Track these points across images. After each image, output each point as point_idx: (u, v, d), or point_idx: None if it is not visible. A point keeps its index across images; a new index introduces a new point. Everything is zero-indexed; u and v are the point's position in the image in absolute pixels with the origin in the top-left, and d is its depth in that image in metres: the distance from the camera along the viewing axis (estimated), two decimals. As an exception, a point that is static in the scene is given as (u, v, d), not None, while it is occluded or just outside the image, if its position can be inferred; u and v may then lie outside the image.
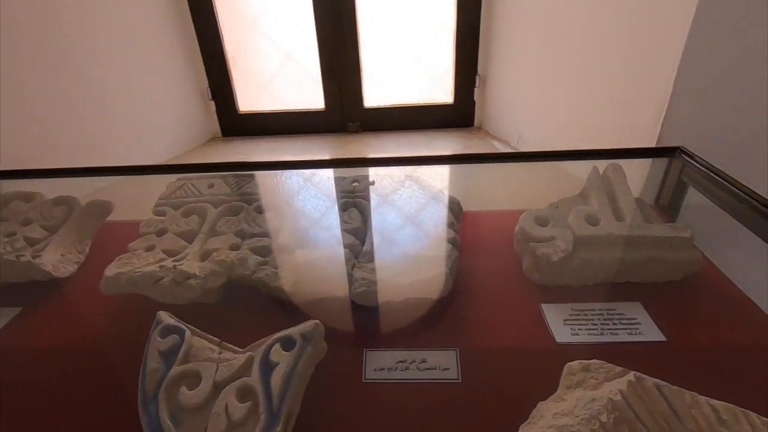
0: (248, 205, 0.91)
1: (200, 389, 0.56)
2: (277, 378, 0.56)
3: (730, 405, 0.50)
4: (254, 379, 0.57)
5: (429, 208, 0.87)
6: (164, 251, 0.81)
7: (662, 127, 1.07)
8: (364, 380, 0.64)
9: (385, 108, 2.25)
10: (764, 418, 0.48)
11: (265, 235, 0.84)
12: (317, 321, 0.63)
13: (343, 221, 0.86)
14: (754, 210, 0.76)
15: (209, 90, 2.30)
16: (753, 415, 0.48)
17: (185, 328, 0.63)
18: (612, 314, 0.71)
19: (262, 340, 0.61)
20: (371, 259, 0.76)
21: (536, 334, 0.68)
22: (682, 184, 0.95)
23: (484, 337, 0.68)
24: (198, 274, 0.73)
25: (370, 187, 0.97)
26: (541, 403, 0.58)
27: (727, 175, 0.82)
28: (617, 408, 0.50)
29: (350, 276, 0.73)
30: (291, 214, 0.88)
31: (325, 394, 0.63)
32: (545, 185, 1.16)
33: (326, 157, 1.99)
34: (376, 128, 2.28)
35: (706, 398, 0.51)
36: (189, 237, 0.85)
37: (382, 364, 0.65)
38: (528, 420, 0.56)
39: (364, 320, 0.71)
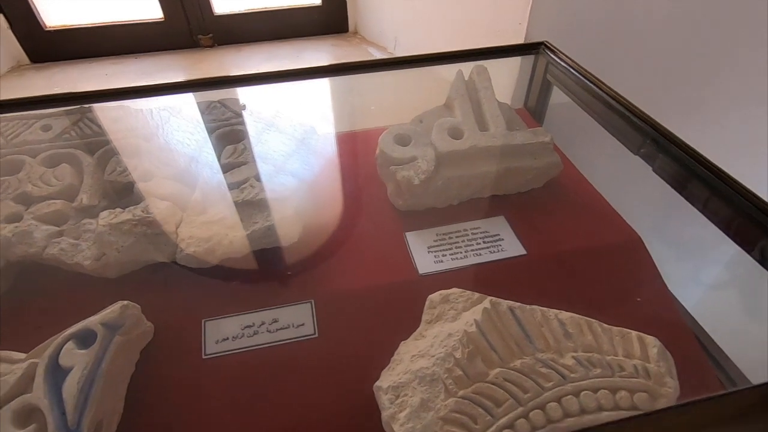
0: (32, 158, 0.70)
1: (-44, 424, 0.43)
2: (71, 386, 0.45)
3: (576, 316, 0.51)
4: (37, 394, 0.44)
5: (271, 138, 0.74)
6: None
7: (529, 24, 1.03)
8: (204, 356, 0.55)
9: (241, 14, 1.90)
10: (605, 326, 0.49)
11: (60, 195, 0.65)
12: (125, 302, 0.52)
13: (164, 164, 0.70)
14: (604, 103, 0.77)
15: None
16: (595, 323, 0.50)
17: (-72, 345, 0.48)
18: (476, 233, 0.69)
19: (50, 340, 0.48)
20: (202, 211, 0.64)
21: (399, 268, 0.64)
22: (547, 84, 0.93)
23: (342, 281, 0.62)
24: (-51, 265, 0.55)
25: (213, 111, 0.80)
26: (402, 343, 0.55)
27: (585, 71, 0.81)
28: (472, 340, 0.49)
29: (176, 235, 0.61)
30: (94, 163, 0.69)
31: (157, 383, 0.53)
32: (420, 94, 1.09)
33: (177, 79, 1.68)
34: (234, 40, 1.94)
35: (556, 312, 0.52)
36: (-55, 212, 0.63)
37: (226, 334, 0.57)
38: (389, 365, 0.53)
39: (199, 286, 0.60)
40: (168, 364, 0.54)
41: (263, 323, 0.58)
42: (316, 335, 0.57)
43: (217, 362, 0.55)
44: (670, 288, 0.65)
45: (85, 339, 0.48)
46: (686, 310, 0.71)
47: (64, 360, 0.46)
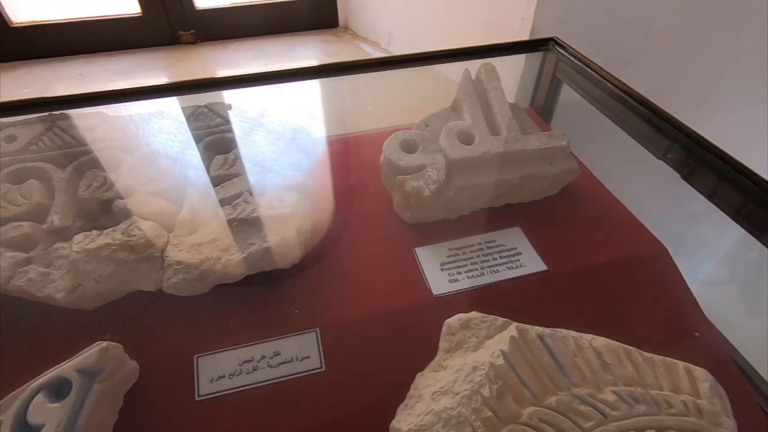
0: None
1: None
2: (42, 448, 0.39)
3: (613, 343, 0.47)
4: (3, 459, 0.39)
5: (264, 144, 0.68)
6: None
7: (535, 18, 0.98)
8: (197, 397, 0.49)
9: (225, 9, 1.81)
10: (646, 354, 0.45)
11: (28, 216, 0.59)
12: (105, 343, 0.45)
13: (150, 179, 0.64)
14: (624, 105, 0.72)
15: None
16: (635, 351, 0.45)
17: None
18: (492, 247, 0.64)
19: (16, 392, 0.42)
20: (191, 231, 0.58)
21: (411, 289, 0.59)
22: (556, 82, 0.89)
23: (349, 306, 0.57)
24: None
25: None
26: (419, 375, 0.50)
27: (602, 69, 0.76)
28: (500, 375, 0.44)
29: (162, 260, 0.55)
30: (66, 178, 0.63)
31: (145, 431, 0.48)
32: (420, 93, 1.04)
33: (156, 80, 1.60)
34: (218, 36, 1.86)
35: (590, 338, 0.47)
36: None
37: (221, 371, 0.51)
38: (405, 401, 0.49)
39: (189, 317, 0.55)
40: (156, 408, 0.49)
41: (263, 357, 0.52)
42: (323, 368, 0.52)
43: (213, 404, 0.49)
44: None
45: (58, 390, 0.42)
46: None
47: (33, 416, 0.40)
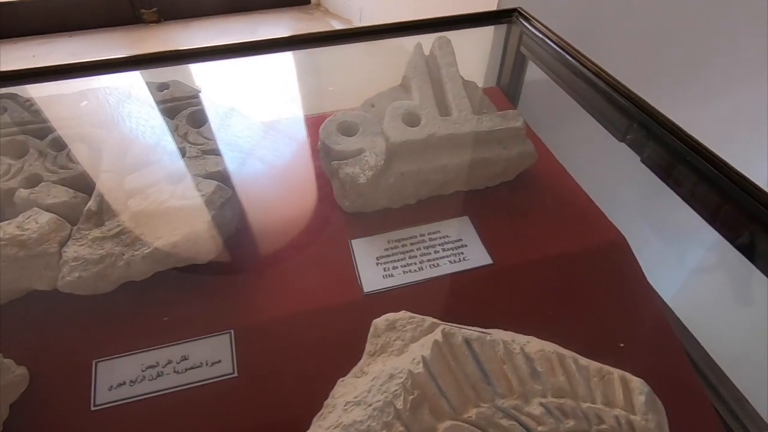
0: None
1: None
2: None
3: (547, 348, 0.42)
4: None
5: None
6: None
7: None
8: (93, 407, 0.45)
9: (191, -16, 1.75)
10: (582, 361, 0.41)
11: None
12: (-24, 351, 0.41)
13: (59, 166, 0.59)
14: (590, 84, 0.67)
15: None
16: (569, 359, 0.41)
17: None
18: (435, 239, 0.60)
19: None
20: (98, 223, 0.53)
21: (341, 286, 0.55)
22: (521, 59, 0.83)
23: (269, 304, 0.53)
24: None
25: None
26: (340, 381, 0.46)
27: (565, 42, 0.71)
28: (417, 384, 0.40)
29: (59, 256, 0.50)
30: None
31: (31, 446, 0.44)
32: (386, 71, 0.98)
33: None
34: (182, 14, 1.78)
35: (522, 342, 0.43)
36: None
37: (122, 377, 0.47)
38: (321, 410, 0.45)
39: (90, 319, 0.50)
40: (46, 419, 0.45)
41: (169, 362, 0.48)
42: (236, 374, 0.48)
43: (110, 414, 0.45)
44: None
45: None
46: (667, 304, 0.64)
47: None
